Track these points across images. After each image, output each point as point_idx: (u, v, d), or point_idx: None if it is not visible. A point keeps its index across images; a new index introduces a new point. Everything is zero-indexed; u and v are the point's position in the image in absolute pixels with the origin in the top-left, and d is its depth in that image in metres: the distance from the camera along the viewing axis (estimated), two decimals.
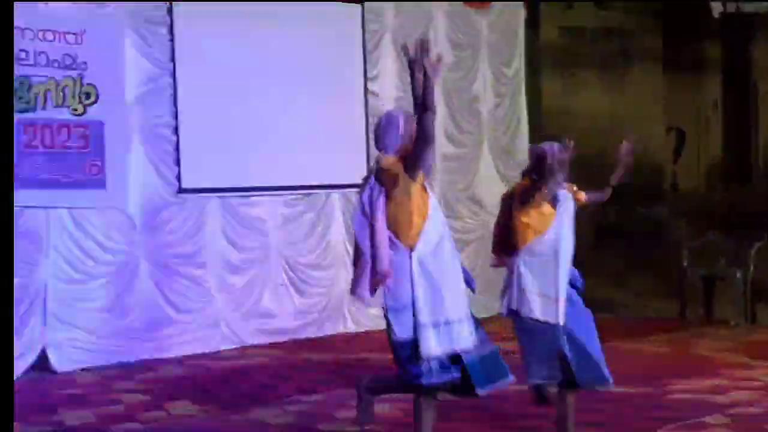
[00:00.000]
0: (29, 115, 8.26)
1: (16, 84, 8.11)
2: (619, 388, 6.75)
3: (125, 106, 8.84)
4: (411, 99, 4.89)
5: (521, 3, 11.96)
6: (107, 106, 8.65)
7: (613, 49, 14.61)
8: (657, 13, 14.77)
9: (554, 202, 5.40)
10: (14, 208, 7.75)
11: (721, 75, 15.40)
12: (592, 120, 13.68)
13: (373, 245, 4.66)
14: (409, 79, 4.81)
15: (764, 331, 9.74)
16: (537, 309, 5.34)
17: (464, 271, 4.92)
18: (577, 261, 5.60)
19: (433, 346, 4.64)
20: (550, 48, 13.93)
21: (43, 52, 8.34)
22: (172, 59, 9.13)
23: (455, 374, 4.75)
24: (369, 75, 10.51)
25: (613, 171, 5.89)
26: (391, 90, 10.61)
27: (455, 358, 4.75)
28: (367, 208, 4.77)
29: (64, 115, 8.45)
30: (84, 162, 8.56)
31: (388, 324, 4.78)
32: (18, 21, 7.88)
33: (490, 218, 11.54)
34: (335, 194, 10.20)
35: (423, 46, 4.53)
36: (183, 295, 9.22)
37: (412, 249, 4.66)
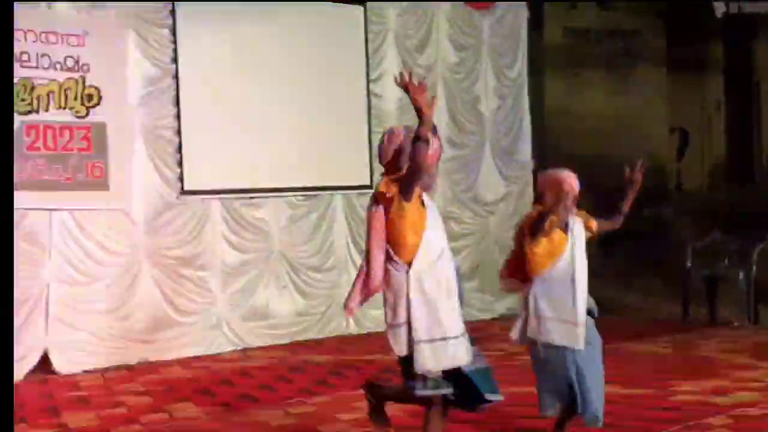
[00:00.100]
0: (32, 117, 8.27)
1: (18, 86, 8.13)
2: (623, 389, 6.75)
3: (128, 108, 8.85)
4: None
5: (524, 4, 11.95)
6: (110, 108, 8.66)
7: (616, 50, 14.60)
8: (660, 13, 14.77)
9: (565, 228, 5.38)
10: (17, 210, 7.76)
11: (724, 75, 15.39)
12: (596, 120, 13.67)
13: (368, 261, 4.71)
14: None
15: (767, 332, 9.72)
16: (556, 335, 5.33)
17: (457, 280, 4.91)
18: None
19: (428, 362, 4.65)
20: (554, 48, 13.93)
21: (45, 54, 8.35)
22: (175, 61, 9.14)
23: (449, 389, 4.75)
24: (371, 76, 10.51)
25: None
26: (394, 91, 10.51)
27: (451, 374, 4.75)
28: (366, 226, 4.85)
29: (67, 117, 8.46)
30: (86, 164, 8.57)
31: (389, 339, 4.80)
32: (21, 23, 7.90)
33: (492, 219, 11.60)
34: (338, 196, 10.17)
35: (407, 82, 4.59)
36: (185, 297, 9.23)
37: (409, 265, 4.68)
